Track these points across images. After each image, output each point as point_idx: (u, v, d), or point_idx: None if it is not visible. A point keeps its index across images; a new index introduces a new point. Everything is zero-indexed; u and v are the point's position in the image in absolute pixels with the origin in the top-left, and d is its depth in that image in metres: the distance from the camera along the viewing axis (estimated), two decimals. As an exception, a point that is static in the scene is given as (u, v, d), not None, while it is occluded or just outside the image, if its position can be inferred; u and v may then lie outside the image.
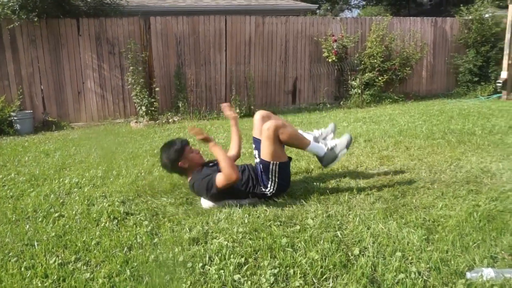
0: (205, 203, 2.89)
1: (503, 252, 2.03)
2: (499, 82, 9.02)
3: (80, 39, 7.57)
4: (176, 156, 2.90)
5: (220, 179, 2.72)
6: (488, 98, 8.97)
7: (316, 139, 3.18)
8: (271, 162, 2.82)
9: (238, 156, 3.33)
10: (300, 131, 3.17)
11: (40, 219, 2.75)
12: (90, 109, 7.77)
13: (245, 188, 2.88)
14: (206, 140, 2.94)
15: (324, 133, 3.27)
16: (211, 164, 3.03)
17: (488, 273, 1.81)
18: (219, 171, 2.78)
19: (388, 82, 9.06)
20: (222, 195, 2.81)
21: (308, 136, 3.17)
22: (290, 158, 3.04)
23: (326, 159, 2.97)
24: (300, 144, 2.96)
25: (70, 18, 7.52)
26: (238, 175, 2.70)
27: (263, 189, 2.89)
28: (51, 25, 7.38)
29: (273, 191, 2.88)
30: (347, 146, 2.98)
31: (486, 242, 2.13)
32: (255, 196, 2.90)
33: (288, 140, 2.86)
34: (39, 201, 3.10)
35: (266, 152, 2.83)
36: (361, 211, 2.60)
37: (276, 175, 2.84)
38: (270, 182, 2.87)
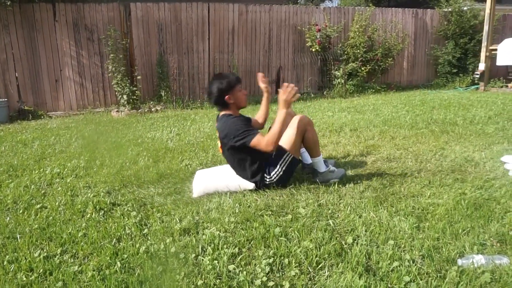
0: (196, 190, 2.83)
1: (491, 239, 2.07)
2: (477, 74, 9.24)
3: (57, 25, 7.28)
4: (227, 88, 2.85)
5: (256, 140, 2.71)
6: (466, 89, 9.18)
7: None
8: (287, 152, 2.85)
9: (262, 127, 3.30)
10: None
11: (21, 211, 2.64)
12: (68, 97, 7.52)
13: (253, 169, 2.86)
14: (287, 102, 2.76)
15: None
16: (247, 118, 3.05)
17: (479, 259, 1.84)
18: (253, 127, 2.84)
19: (370, 73, 9.14)
20: (238, 153, 2.82)
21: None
22: (300, 160, 3.09)
23: (322, 176, 3.00)
24: (315, 149, 2.99)
25: (45, 3, 7.20)
26: (273, 150, 2.72)
27: (266, 176, 2.88)
28: (25, 10, 7.06)
29: (273, 180, 2.88)
30: (340, 178, 3.03)
31: (474, 229, 2.17)
32: (254, 180, 2.87)
33: (310, 139, 2.92)
34: (19, 192, 2.98)
35: (287, 141, 2.85)
36: (352, 200, 2.61)
37: (285, 166, 2.86)
38: (276, 170, 2.87)
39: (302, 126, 2.84)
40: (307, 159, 3.16)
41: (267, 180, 2.88)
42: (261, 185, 2.88)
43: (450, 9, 9.99)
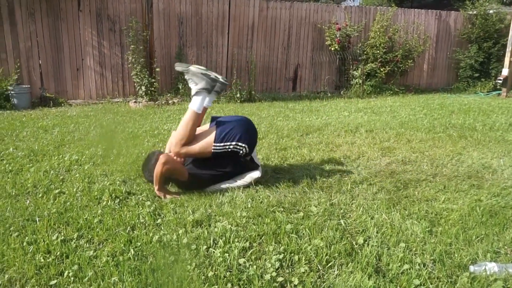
0: (210, 188, 2.86)
1: (506, 247, 2.05)
2: (500, 79, 9.02)
3: (80, 15, 7.40)
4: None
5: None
6: (487, 94, 8.99)
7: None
8: (212, 150, 2.77)
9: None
10: (193, 105, 2.86)
11: (40, 195, 2.72)
12: (88, 86, 7.66)
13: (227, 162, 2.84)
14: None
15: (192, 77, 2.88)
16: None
17: (492, 267, 1.82)
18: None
19: (389, 74, 9.03)
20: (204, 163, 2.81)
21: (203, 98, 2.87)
22: (212, 121, 2.95)
23: (211, 84, 2.80)
24: (194, 120, 2.80)
25: (70, -8, 7.34)
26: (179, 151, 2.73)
27: (240, 153, 2.82)
28: (50, -1, 7.20)
29: (245, 148, 2.80)
30: (185, 66, 2.85)
31: (489, 236, 2.14)
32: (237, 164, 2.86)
33: (188, 136, 2.78)
34: (39, 176, 3.06)
35: (202, 155, 2.81)
36: (364, 201, 2.60)
37: (226, 144, 2.77)
38: (236, 150, 2.80)
39: (159, 171, 2.66)
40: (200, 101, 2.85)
41: (243, 151, 2.81)
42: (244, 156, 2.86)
43: (475, 12, 9.78)
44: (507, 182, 3.00)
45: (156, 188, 2.72)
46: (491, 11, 9.73)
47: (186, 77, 2.88)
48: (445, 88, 9.94)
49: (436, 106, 6.84)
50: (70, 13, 7.34)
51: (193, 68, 2.85)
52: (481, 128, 4.89)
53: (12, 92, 6.75)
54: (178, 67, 2.91)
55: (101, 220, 2.34)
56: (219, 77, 2.85)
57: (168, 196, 2.70)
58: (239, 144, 2.78)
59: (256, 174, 2.88)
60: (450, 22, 9.93)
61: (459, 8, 10.38)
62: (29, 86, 7.09)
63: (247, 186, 2.87)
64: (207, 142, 2.78)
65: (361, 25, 8.96)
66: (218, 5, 8.06)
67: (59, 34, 7.34)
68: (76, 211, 2.46)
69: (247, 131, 2.85)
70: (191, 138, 2.80)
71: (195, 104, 2.83)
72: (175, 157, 2.82)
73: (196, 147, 2.79)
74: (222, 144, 2.77)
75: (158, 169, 2.66)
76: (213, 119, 2.99)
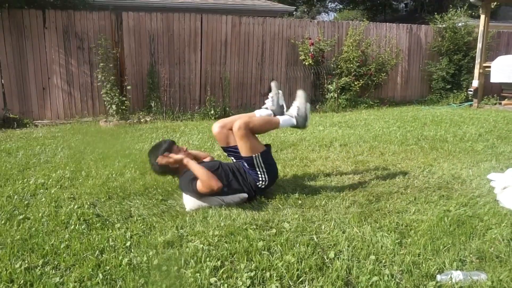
0: (188, 204, 2.82)
1: (471, 255, 2.10)
2: (471, 91, 9.27)
3: (46, 32, 7.23)
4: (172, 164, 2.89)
5: (200, 187, 2.73)
6: (460, 105, 9.27)
7: (273, 110, 3.23)
8: (253, 156, 2.90)
9: (209, 157, 3.36)
10: (257, 111, 3.25)
11: (3, 222, 2.61)
12: (55, 106, 7.45)
13: (237, 184, 2.92)
14: (178, 161, 2.87)
15: (275, 97, 3.26)
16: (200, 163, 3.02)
17: (457, 275, 1.86)
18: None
19: (363, 87, 9.22)
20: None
21: (266, 111, 3.23)
22: (268, 145, 3.13)
23: (301, 123, 3.13)
24: (272, 126, 3.16)
25: (35, 9, 7.18)
26: (218, 185, 2.71)
27: (257, 182, 2.94)
28: (14, 16, 7.00)
29: (265, 182, 2.95)
30: (306, 100, 3.16)
31: (455, 246, 2.19)
32: (247, 191, 2.93)
33: (261, 128, 3.08)
34: (1, 202, 2.95)
35: (245, 149, 2.90)
36: (337, 215, 2.62)
37: (263, 165, 2.93)
38: (259, 174, 2.93)
39: (244, 132, 2.86)
40: (290, 123, 3.14)
41: (263, 183, 2.94)
42: (257, 193, 2.96)
43: (444, 25, 10.08)
44: (475, 192, 3.09)
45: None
46: (459, 24, 10.07)
47: (300, 102, 3.15)
48: (419, 100, 10.17)
49: (410, 119, 7.01)
50: (35, 31, 7.16)
51: (309, 106, 3.20)
52: (452, 139, 5.03)
53: (-27, 113, 6.49)
54: (302, 94, 3.20)
55: (68, 245, 2.26)
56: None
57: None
58: (265, 176, 2.95)
59: (244, 195, 2.91)
60: (421, 36, 10.25)
61: (429, 21, 10.75)
62: (-10, 107, 6.83)
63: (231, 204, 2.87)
64: (258, 148, 2.94)
65: (334, 39, 9.16)
66: (190, 22, 8.09)
67: (24, 53, 7.14)
68: (41, 237, 2.36)
69: (276, 177, 3.13)
70: (256, 132, 2.99)
71: (286, 122, 3.12)
72: (236, 128, 2.88)
73: (250, 140, 2.90)
74: (261, 162, 2.93)
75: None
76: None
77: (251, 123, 2.91)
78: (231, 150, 3.10)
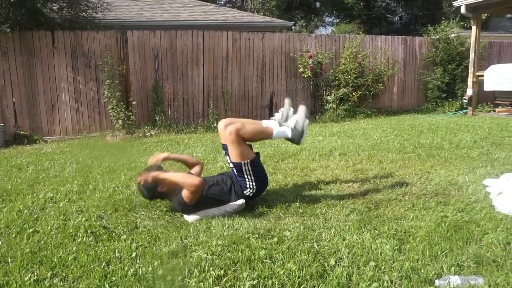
0: (189, 217, 2.90)
1: (468, 260, 2.15)
2: (465, 99, 9.47)
3: (55, 52, 7.47)
4: (153, 183, 2.96)
5: (184, 194, 2.82)
6: (455, 113, 9.40)
7: (279, 123, 3.27)
8: (242, 162, 2.97)
9: (199, 164, 3.46)
10: (265, 121, 3.31)
11: (13, 235, 2.69)
12: (64, 122, 7.63)
13: (227, 191, 3.00)
14: (157, 176, 2.94)
15: (285, 113, 3.33)
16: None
17: (455, 280, 1.91)
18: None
19: (361, 98, 9.35)
20: (201, 204, 2.89)
21: (273, 123, 3.26)
22: (257, 153, 3.18)
23: (295, 137, 3.14)
24: (265, 136, 3.18)
25: (44, 30, 7.42)
26: (199, 180, 2.80)
27: (244, 191, 3.00)
28: (24, 37, 7.27)
29: (253, 190, 3.00)
30: (306, 116, 3.17)
31: (453, 251, 2.25)
32: (239, 196, 3.00)
33: (252, 137, 3.09)
34: (12, 216, 3.03)
35: (234, 155, 2.98)
36: (337, 223, 2.68)
37: (251, 173, 2.99)
38: (247, 182, 3.00)
39: (235, 138, 2.94)
40: (285, 135, 3.17)
41: (250, 192, 3.00)
42: (248, 200, 3.01)
43: (437, 37, 10.33)
44: (471, 198, 3.15)
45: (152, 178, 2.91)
46: (452, 36, 10.31)
47: (299, 117, 3.20)
48: (415, 109, 10.32)
49: (407, 127, 7.10)
50: (44, 51, 7.40)
51: (307, 122, 3.22)
52: (448, 147, 5.11)
53: (-16, 131, 6.66)
54: (303, 109, 3.25)
55: (75, 257, 2.33)
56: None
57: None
58: (253, 184, 3.00)
59: (240, 201, 2.99)
60: (415, 47, 10.44)
61: (423, 33, 10.96)
62: (2, 124, 7.02)
63: (232, 212, 2.95)
64: (247, 155, 3.01)
65: (331, 52, 9.33)
66: (192, 38, 8.28)
67: (33, 71, 7.36)
68: (50, 250, 2.44)
69: (265, 186, 3.16)
70: (247, 139, 3.05)
71: (280, 132, 3.15)
72: (227, 132, 2.97)
73: (241, 147, 2.97)
74: (251, 169, 2.99)
75: (189, 190, 2.79)
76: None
77: (242, 130, 2.95)
78: (226, 150, 3.13)
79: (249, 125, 3.11)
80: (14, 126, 7.24)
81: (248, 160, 2.98)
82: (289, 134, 3.13)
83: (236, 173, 3.04)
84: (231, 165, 3.08)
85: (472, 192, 3.29)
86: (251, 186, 3.01)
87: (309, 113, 3.34)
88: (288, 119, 3.27)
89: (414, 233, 2.50)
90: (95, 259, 2.29)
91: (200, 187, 2.81)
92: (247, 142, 3.11)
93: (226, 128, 3.04)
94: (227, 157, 3.15)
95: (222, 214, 2.91)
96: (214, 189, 3.01)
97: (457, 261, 2.13)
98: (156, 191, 2.99)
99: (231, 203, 2.99)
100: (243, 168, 2.98)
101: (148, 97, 8.00)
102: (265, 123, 3.29)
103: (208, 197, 2.94)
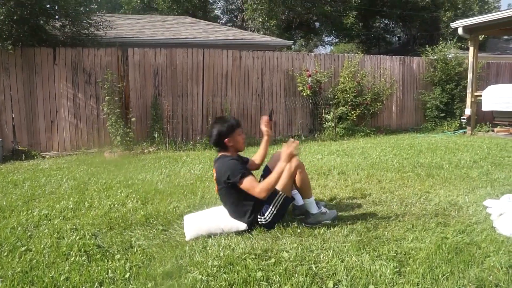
0: (188, 233, 2.85)
1: (470, 284, 2.10)
2: (464, 118, 9.52)
3: (56, 68, 7.51)
4: (227, 132, 3.03)
5: (250, 184, 2.85)
6: (454, 133, 9.41)
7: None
8: (280, 192, 2.95)
9: (258, 167, 3.47)
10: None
11: (5, 254, 2.64)
12: (63, 138, 7.61)
13: (247, 209, 2.94)
14: (289, 156, 2.96)
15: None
16: (244, 159, 3.26)
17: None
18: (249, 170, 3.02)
19: (360, 116, 9.38)
20: (233, 193, 2.93)
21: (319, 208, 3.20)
22: (293, 198, 3.18)
23: (314, 218, 3.06)
24: (306, 191, 3.09)
25: (46, 47, 7.48)
26: (265, 197, 2.85)
27: (260, 216, 2.96)
28: (26, 54, 7.32)
29: (268, 220, 2.95)
30: (332, 220, 3.10)
31: (454, 274, 2.20)
32: (247, 220, 2.95)
33: (301, 181, 3.03)
34: (5, 234, 2.98)
35: (281, 183, 2.94)
36: (335, 244, 2.64)
37: (278, 205, 2.96)
38: (269, 210, 2.95)
39: (293, 170, 2.95)
40: (299, 201, 3.25)
41: (262, 220, 2.95)
42: (253, 225, 2.95)
43: (435, 57, 10.45)
44: (471, 219, 3.10)
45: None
46: (450, 56, 10.43)
47: (327, 211, 3.16)
48: (414, 128, 10.35)
49: (406, 146, 7.09)
50: (45, 67, 7.44)
51: (326, 219, 3.11)
52: (447, 166, 5.08)
53: (-18, 147, 6.63)
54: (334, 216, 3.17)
55: (68, 277, 2.28)
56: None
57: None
58: (270, 217, 2.96)
59: (242, 226, 2.94)
60: (413, 67, 10.54)
61: (421, 53, 11.08)
62: (0, 139, 7.00)
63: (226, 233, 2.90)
64: (288, 190, 3.03)
65: (330, 71, 9.40)
66: (192, 56, 8.35)
67: (34, 87, 7.39)
68: (42, 269, 2.39)
69: (274, 225, 3.00)
70: (299, 180, 3.03)
71: (313, 199, 3.12)
72: (291, 161, 2.96)
73: (288, 181, 2.97)
74: (281, 203, 2.97)
75: (292, 166, 2.88)
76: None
77: (301, 170, 3.00)
78: (267, 171, 3.17)
79: (306, 173, 3.10)
80: (12, 141, 7.22)
81: (285, 195, 2.97)
82: (315, 211, 3.07)
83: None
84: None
85: (473, 213, 3.25)
86: (268, 216, 2.95)
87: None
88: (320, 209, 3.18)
89: (414, 255, 2.45)
90: (88, 280, 2.23)
91: (257, 198, 2.87)
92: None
93: (292, 156, 2.97)
94: (262, 179, 3.17)
95: (225, 231, 2.89)
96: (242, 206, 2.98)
97: (458, 285, 2.09)
98: (223, 140, 3.04)
99: (229, 223, 2.94)
100: (277, 197, 2.95)
101: (147, 114, 8.01)
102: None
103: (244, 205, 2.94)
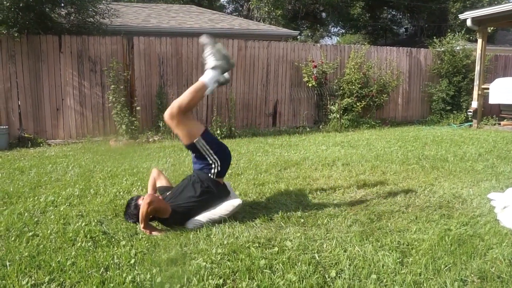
0: (191, 223, 2.88)
1: (472, 275, 2.11)
2: (470, 111, 9.45)
3: (62, 56, 7.52)
4: (137, 211, 2.84)
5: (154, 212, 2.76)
6: (460, 126, 9.35)
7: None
8: (195, 141, 2.88)
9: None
10: (202, 78, 2.97)
11: (13, 238, 2.68)
12: (68, 126, 7.66)
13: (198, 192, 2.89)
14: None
15: (215, 52, 2.99)
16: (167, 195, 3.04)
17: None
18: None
19: (365, 108, 9.33)
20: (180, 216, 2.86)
21: (214, 73, 2.94)
22: (205, 126, 3.10)
23: (225, 66, 2.93)
24: (201, 91, 2.90)
25: (52, 35, 7.49)
26: (147, 200, 2.68)
27: (209, 170, 2.94)
28: (32, 41, 7.33)
29: (218, 163, 2.93)
30: (213, 41, 2.97)
31: (457, 265, 2.21)
32: (208, 189, 2.91)
33: (191, 100, 2.88)
34: (12, 219, 3.02)
35: (184, 137, 2.90)
36: (338, 234, 2.65)
37: (207, 147, 2.91)
38: (208, 158, 2.93)
39: (176, 120, 2.84)
40: (213, 79, 2.94)
41: (214, 167, 2.94)
42: (219, 175, 2.98)
43: (443, 49, 10.33)
44: (475, 211, 3.11)
45: (142, 226, 2.73)
46: (457, 48, 10.31)
47: (209, 50, 2.95)
48: (420, 120, 10.30)
49: (411, 138, 7.07)
50: (51, 55, 7.45)
51: (220, 45, 2.97)
52: (452, 159, 5.07)
53: (-12, 133, 6.69)
54: (205, 38, 2.97)
55: (74, 262, 2.31)
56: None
57: (154, 233, 2.72)
58: (215, 157, 2.92)
59: (237, 201, 2.93)
60: (420, 58, 10.45)
61: (428, 45, 10.96)
62: (7, 127, 7.05)
63: (229, 216, 2.90)
64: (195, 132, 2.89)
65: (336, 62, 9.34)
66: (198, 46, 8.31)
67: (40, 75, 7.41)
68: (49, 254, 2.42)
69: (228, 154, 3.04)
70: (191, 107, 2.91)
71: (208, 77, 2.92)
72: (169, 119, 2.84)
73: (186, 126, 2.88)
74: (204, 144, 2.88)
75: (143, 209, 2.67)
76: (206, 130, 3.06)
77: (178, 102, 2.82)
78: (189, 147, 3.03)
79: (183, 94, 2.91)
80: (19, 129, 7.28)
81: (199, 136, 2.88)
82: (218, 72, 2.90)
83: (195, 157, 2.95)
84: (190, 153, 3.00)
85: (477, 206, 3.24)
86: (214, 160, 2.91)
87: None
88: (222, 52, 2.96)
89: (417, 246, 2.47)
90: (94, 265, 2.27)
91: (151, 203, 2.67)
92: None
93: (168, 116, 2.86)
94: (192, 155, 3.03)
95: (218, 218, 2.89)
96: (180, 197, 2.91)
97: (460, 276, 2.09)
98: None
99: (220, 206, 2.93)
100: (198, 146, 2.88)
101: (152, 103, 8.02)
102: (205, 79, 2.97)
103: (181, 207, 2.86)
